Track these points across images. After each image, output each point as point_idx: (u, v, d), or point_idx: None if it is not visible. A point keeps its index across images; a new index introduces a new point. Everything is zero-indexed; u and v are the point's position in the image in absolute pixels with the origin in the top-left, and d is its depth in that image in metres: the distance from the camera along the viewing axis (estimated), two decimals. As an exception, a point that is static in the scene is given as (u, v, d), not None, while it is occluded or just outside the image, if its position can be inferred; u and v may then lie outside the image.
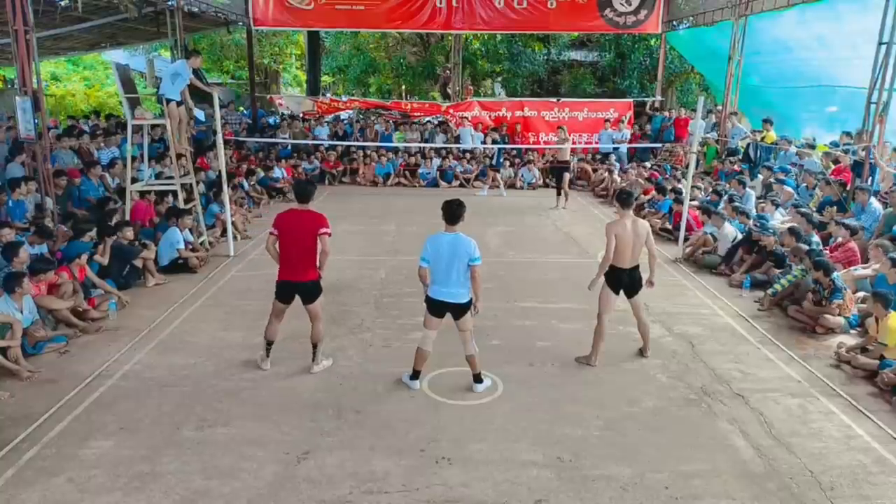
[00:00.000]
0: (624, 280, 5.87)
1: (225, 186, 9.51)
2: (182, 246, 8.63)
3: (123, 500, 3.98)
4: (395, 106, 19.91)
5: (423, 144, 16.86)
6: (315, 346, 5.69)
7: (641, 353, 6.20)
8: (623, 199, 5.95)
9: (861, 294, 7.24)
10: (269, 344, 5.74)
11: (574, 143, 18.08)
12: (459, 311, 5.19)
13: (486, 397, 5.33)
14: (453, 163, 16.64)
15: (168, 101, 8.99)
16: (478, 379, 5.40)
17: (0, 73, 20.45)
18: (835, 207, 9.28)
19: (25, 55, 8.01)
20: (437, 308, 5.21)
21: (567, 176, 13.53)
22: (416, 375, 5.43)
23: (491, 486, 4.17)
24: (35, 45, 8.26)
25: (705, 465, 4.42)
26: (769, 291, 7.58)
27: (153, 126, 11.19)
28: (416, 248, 10.07)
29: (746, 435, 4.81)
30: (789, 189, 10.80)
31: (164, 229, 8.83)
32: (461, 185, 16.16)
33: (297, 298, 5.59)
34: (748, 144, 13.48)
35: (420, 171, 16.31)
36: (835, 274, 6.85)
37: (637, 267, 5.91)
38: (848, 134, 11.19)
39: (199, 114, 13.22)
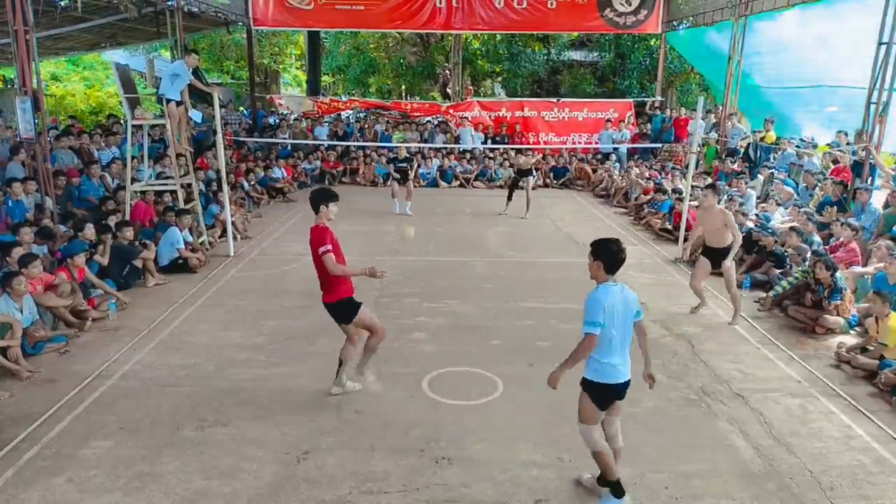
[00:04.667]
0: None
1: (225, 186, 9.51)
2: (182, 246, 8.64)
3: (123, 500, 3.98)
4: (395, 106, 19.91)
5: (422, 144, 16.86)
6: (340, 363, 5.26)
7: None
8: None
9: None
10: (339, 363, 5.30)
11: (574, 143, 18.16)
12: (626, 389, 3.91)
13: (486, 397, 5.33)
14: (453, 163, 16.65)
15: (168, 101, 9.00)
16: (619, 489, 3.91)
17: (0, 73, 20.44)
18: (835, 207, 9.28)
19: (25, 55, 8.01)
20: (609, 395, 3.85)
21: (531, 181, 12.92)
22: (617, 490, 3.91)
23: (491, 486, 4.17)
24: (35, 45, 8.27)
25: (705, 465, 4.42)
26: (770, 293, 7.57)
27: (153, 126, 11.19)
28: (415, 248, 10.20)
29: (746, 435, 4.81)
30: (789, 189, 10.81)
31: (164, 229, 8.83)
32: (461, 186, 16.18)
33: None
34: (748, 144, 13.48)
35: (420, 171, 16.33)
36: (837, 274, 6.85)
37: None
38: (844, 133, 11.19)
39: (196, 115, 13.19)
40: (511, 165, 14.06)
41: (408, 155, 13.34)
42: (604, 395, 3.82)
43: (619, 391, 3.84)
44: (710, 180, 12.75)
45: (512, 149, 16.75)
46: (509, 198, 12.92)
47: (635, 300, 3.84)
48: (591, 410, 3.86)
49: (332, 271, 4.78)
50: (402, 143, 16.84)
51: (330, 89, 28.19)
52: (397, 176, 12.88)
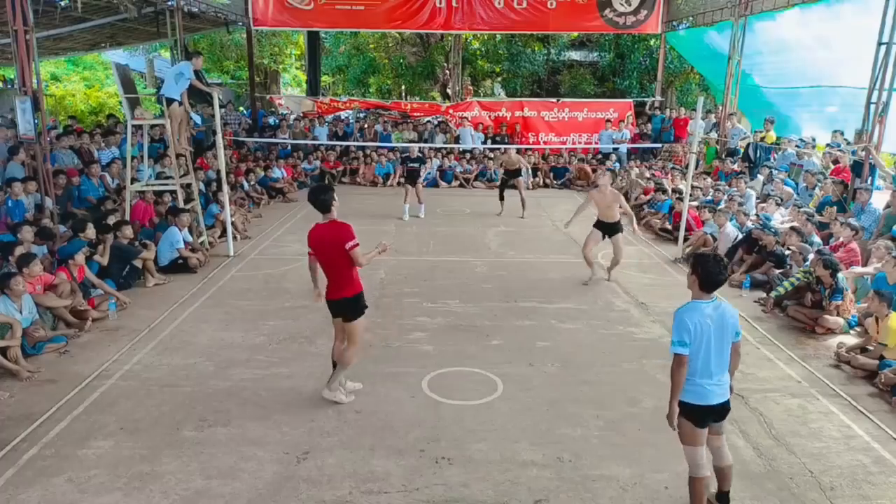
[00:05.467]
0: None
1: (225, 186, 9.51)
2: (182, 245, 8.64)
3: (123, 500, 3.98)
4: (395, 106, 19.92)
5: (422, 144, 16.86)
6: (335, 367, 5.17)
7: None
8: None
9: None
10: (334, 365, 5.25)
11: (574, 143, 18.16)
12: (727, 409, 3.73)
13: (486, 397, 5.33)
14: (453, 163, 16.65)
15: (169, 100, 9.01)
16: (726, 500, 3.88)
17: (0, 73, 20.44)
18: (835, 207, 9.28)
19: (25, 55, 8.01)
20: (702, 416, 3.63)
21: (521, 180, 12.76)
22: None
23: (491, 486, 4.17)
24: (35, 45, 8.26)
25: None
26: (772, 294, 7.57)
27: (153, 126, 11.20)
28: (415, 248, 10.21)
29: (746, 435, 4.81)
30: (789, 189, 10.81)
31: (164, 229, 8.84)
32: (461, 186, 16.18)
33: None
34: (748, 144, 13.48)
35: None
36: (838, 274, 6.85)
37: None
38: (840, 132, 11.19)
39: (196, 117, 13.23)
40: (501, 165, 13.93)
41: (420, 155, 13.12)
42: (698, 416, 3.62)
43: (713, 412, 3.63)
44: (709, 180, 12.78)
45: (495, 148, 16.77)
46: (501, 198, 12.76)
47: (734, 323, 3.64)
48: (687, 430, 3.65)
49: (363, 264, 4.93)
50: (400, 142, 16.90)
51: (330, 89, 28.19)
52: (408, 172, 12.55)
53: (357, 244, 4.87)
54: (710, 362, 3.56)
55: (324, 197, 4.92)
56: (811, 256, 7.52)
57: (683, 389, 3.59)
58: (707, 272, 3.55)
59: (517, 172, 12.83)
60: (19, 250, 6.67)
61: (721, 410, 3.66)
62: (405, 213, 12.30)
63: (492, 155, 16.93)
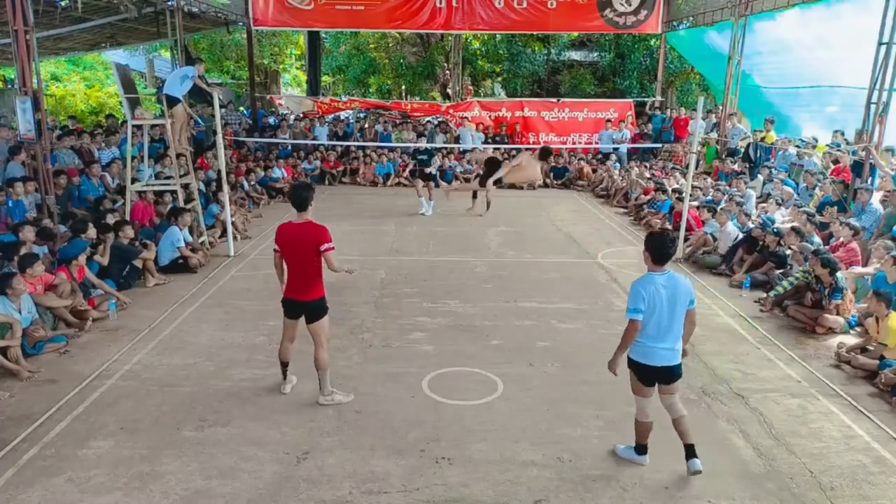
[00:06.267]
0: None
1: (225, 186, 9.51)
2: (182, 244, 8.64)
3: (123, 500, 3.98)
4: (395, 106, 19.92)
5: (422, 144, 16.86)
6: (318, 372, 5.12)
7: None
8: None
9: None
10: (284, 365, 5.31)
11: (574, 143, 18.17)
12: (675, 373, 4.17)
13: (486, 397, 5.33)
14: (453, 163, 16.65)
15: (172, 100, 9.03)
16: (692, 452, 4.22)
17: (0, 73, 20.44)
18: (835, 207, 9.29)
19: (25, 55, 8.01)
20: (649, 374, 4.17)
21: (489, 184, 12.18)
22: (642, 449, 4.39)
23: (491, 486, 4.17)
24: (35, 45, 8.27)
25: (705, 465, 4.40)
26: (771, 294, 7.57)
27: (153, 126, 11.20)
28: (415, 248, 10.21)
29: (746, 435, 4.81)
30: (789, 189, 10.81)
31: (164, 229, 8.84)
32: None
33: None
34: (748, 144, 13.48)
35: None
36: (838, 274, 6.85)
37: None
38: (840, 133, 11.18)
39: (196, 117, 13.27)
40: (477, 162, 13.79)
41: (427, 148, 13.15)
42: (643, 373, 4.14)
43: (659, 373, 4.11)
44: (710, 180, 12.78)
45: (496, 148, 16.79)
46: (474, 196, 12.52)
47: (687, 292, 4.04)
48: (635, 384, 4.23)
49: (336, 269, 4.94)
50: (399, 143, 16.90)
51: (330, 89, 28.19)
52: (420, 169, 12.61)
53: (333, 248, 4.83)
54: (662, 327, 4.02)
55: (305, 194, 4.87)
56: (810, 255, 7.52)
57: (636, 350, 4.12)
58: (656, 247, 4.03)
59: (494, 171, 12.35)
60: (22, 251, 6.68)
61: (667, 373, 4.11)
62: (424, 207, 12.41)
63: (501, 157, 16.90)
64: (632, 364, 4.19)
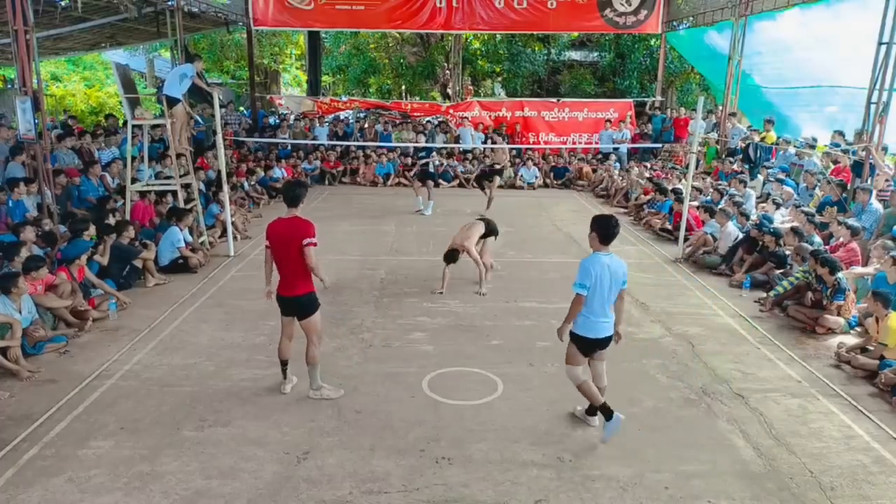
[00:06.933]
0: None
1: (225, 186, 9.51)
2: (182, 244, 8.64)
3: (123, 500, 3.98)
4: (395, 106, 19.93)
5: (422, 144, 16.87)
6: (308, 368, 5.19)
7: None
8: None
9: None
10: (284, 364, 5.34)
11: (574, 143, 18.17)
12: (608, 342, 4.64)
13: (486, 397, 5.33)
14: (454, 163, 16.65)
15: (172, 100, 9.02)
16: (592, 412, 4.80)
17: (0, 73, 20.44)
18: (835, 207, 9.28)
19: (25, 55, 8.01)
20: (590, 346, 4.60)
21: (497, 181, 12.89)
22: (606, 412, 4.60)
23: (491, 486, 4.17)
24: (35, 45, 8.27)
25: (705, 465, 4.42)
26: (771, 293, 7.57)
27: (153, 126, 11.20)
28: (415, 248, 10.20)
29: (746, 435, 4.81)
30: (789, 189, 10.80)
31: (165, 229, 8.83)
32: (460, 185, 16.17)
33: None
34: (748, 144, 13.48)
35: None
36: (839, 274, 6.84)
37: None
38: (840, 133, 11.19)
39: (197, 117, 13.27)
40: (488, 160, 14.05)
41: (428, 148, 13.36)
42: (584, 344, 4.57)
43: (599, 343, 4.58)
44: (709, 180, 12.78)
45: (496, 148, 16.83)
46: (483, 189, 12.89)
47: (623, 273, 4.48)
48: (574, 355, 4.65)
49: (312, 265, 4.90)
50: (399, 143, 16.91)
51: (330, 89, 28.19)
52: (421, 169, 12.79)
53: (314, 243, 4.87)
54: (603, 303, 4.45)
55: (297, 191, 4.97)
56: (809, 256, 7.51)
57: (581, 325, 4.51)
58: (603, 227, 4.41)
59: (495, 173, 12.90)
60: (23, 251, 6.67)
61: (605, 342, 4.59)
62: (422, 206, 12.59)
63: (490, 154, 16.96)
64: (576, 338, 4.58)
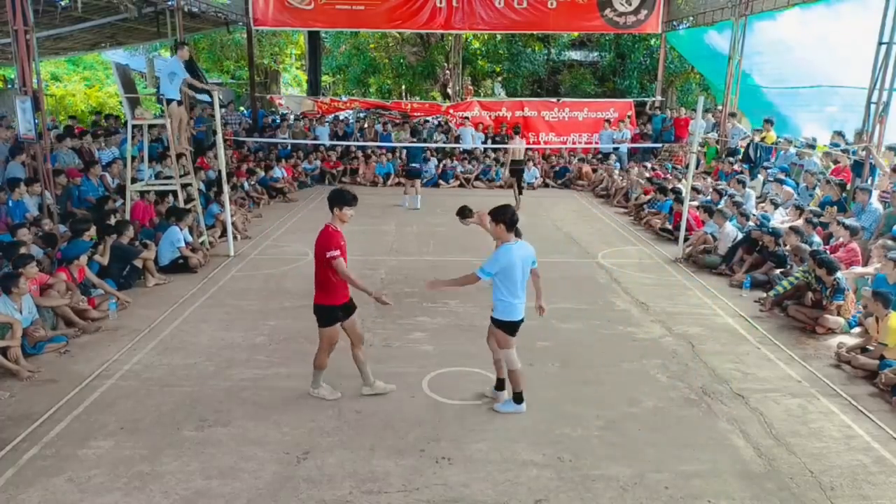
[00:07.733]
0: None
1: (225, 186, 9.51)
2: (183, 244, 8.64)
3: (123, 500, 3.98)
4: (395, 106, 19.93)
5: (422, 144, 16.86)
6: (313, 369, 5.25)
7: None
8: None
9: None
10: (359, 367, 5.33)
11: (574, 143, 18.18)
12: (521, 323, 4.93)
13: (486, 397, 5.32)
14: (454, 163, 16.65)
15: (168, 100, 9.01)
16: (501, 387, 5.20)
17: (0, 73, 20.45)
18: (835, 208, 9.28)
19: (25, 55, 8.01)
20: (518, 327, 4.90)
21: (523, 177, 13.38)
22: (520, 398, 5.04)
23: (491, 486, 4.17)
24: (35, 45, 8.27)
25: (705, 465, 4.42)
26: (771, 293, 7.57)
27: (153, 126, 11.20)
28: (416, 248, 10.20)
29: (746, 435, 4.81)
30: (789, 189, 10.80)
31: (165, 229, 8.83)
32: (461, 185, 16.18)
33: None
34: (748, 144, 13.48)
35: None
36: (838, 274, 6.84)
37: None
38: (840, 133, 11.19)
39: (202, 96, 13.03)
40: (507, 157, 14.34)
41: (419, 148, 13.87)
42: (515, 327, 4.87)
43: (521, 323, 4.89)
44: (709, 180, 12.77)
45: (497, 148, 16.92)
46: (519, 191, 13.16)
47: (531, 254, 4.82)
48: (507, 340, 4.90)
49: (344, 274, 4.81)
50: (399, 142, 16.92)
51: (330, 89, 28.20)
52: (408, 170, 13.33)
53: (335, 256, 4.73)
54: (519, 288, 4.75)
55: (332, 196, 4.91)
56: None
57: (506, 311, 4.79)
58: (505, 216, 4.66)
59: (521, 169, 13.30)
60: (21, 251, 6.67)
61: (521, 322, 4.89)
62: (409, 202, 13.21)
63: (493, 155, 16.97)
64: (507, 325, 4.83)
